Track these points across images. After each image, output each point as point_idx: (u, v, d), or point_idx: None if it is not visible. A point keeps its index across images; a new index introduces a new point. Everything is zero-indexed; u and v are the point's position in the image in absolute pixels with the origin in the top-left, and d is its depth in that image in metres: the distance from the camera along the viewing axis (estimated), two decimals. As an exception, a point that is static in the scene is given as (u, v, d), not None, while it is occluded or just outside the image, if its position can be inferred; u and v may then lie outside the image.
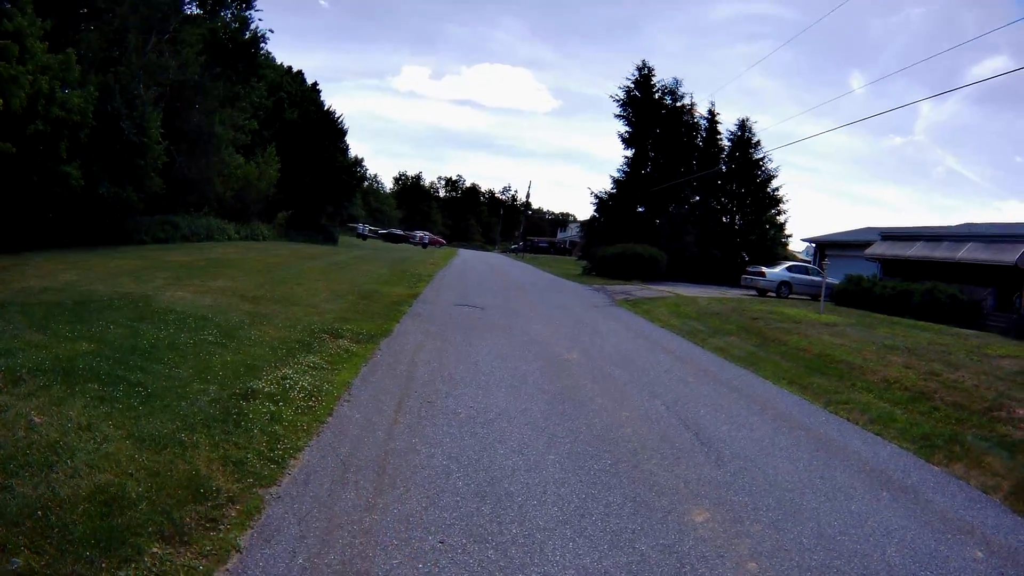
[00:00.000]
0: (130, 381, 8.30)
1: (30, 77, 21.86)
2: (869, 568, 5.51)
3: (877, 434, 9.51)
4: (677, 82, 53.65)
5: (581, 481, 7.04)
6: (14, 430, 6.30)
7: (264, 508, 5.78)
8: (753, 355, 15.43)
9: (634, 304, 26.24)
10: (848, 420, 10.09)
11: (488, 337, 15.49)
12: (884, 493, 7.24)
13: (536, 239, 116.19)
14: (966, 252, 32.29)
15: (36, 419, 6.66)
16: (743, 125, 52.62)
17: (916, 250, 35.21)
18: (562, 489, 6.79)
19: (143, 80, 32.84)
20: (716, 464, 7.80)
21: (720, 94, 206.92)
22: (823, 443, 8.82)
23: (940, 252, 33.65)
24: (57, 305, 12.57)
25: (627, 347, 16.00)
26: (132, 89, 30.98)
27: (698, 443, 8.49)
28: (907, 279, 32.03)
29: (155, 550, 4.79)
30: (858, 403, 11.04)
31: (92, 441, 6.37)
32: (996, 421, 9.93)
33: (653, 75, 52.80)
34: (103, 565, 4.48)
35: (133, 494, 5.46)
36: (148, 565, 4.60)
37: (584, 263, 53.06)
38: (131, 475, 5.81)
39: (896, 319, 25.43)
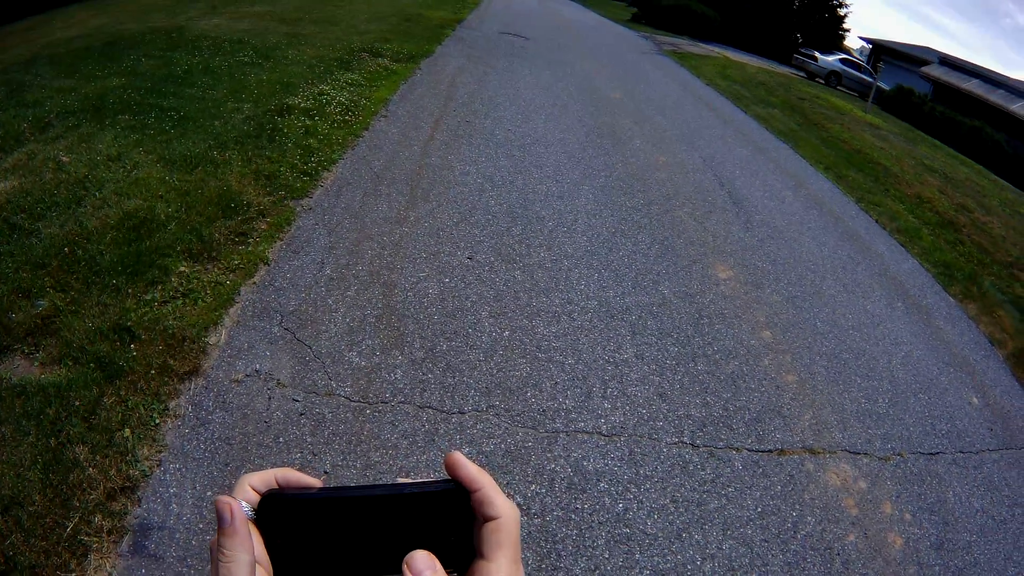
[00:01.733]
0: (162, 107, 7.80)
1: None
2: (874, 371, 5.20)
3: (902, 245, 8.79)
4: None
5: (612, 216, 6.69)
6: (41, 174, 5.96)
7: (294, 220, 5.53)
8: (794, 132, 14.20)
9: (682, 57, 24.06)
10: (877, 222, 9.29)
11: (532, 66, 14.37)
12: (899, 303, 6.76)
13: None
14: (1020, 107, 28.91)
15: (64, 159, 6.29)
16: None
17: (972, 86, 31.56)
18: (593, 220, 6.47)
19: None
20: (745, 226, 7.38)
21: None
22: (850, 235, 8.23)
23: (995, 97, 30.14)
24: (86, 49, 11.76)
25: (671, 96, 14.77)
26: None
27: (730, 202, 8.03)
28: (954, 111, 28.79)
29: (183, 269, 4.63)
30: (889, 209, 10.16)
31: (121, 170, 6.02)
32: (1015, 280, 9.05)
33: None
34: (129, 291, 4.33)
35: (162, 216, 5.20)
36: (175, 285, 4.45)
37: (634, 10, 48.61)
38: (161, 197, 5.51)
39: (938, 143, 23.29)
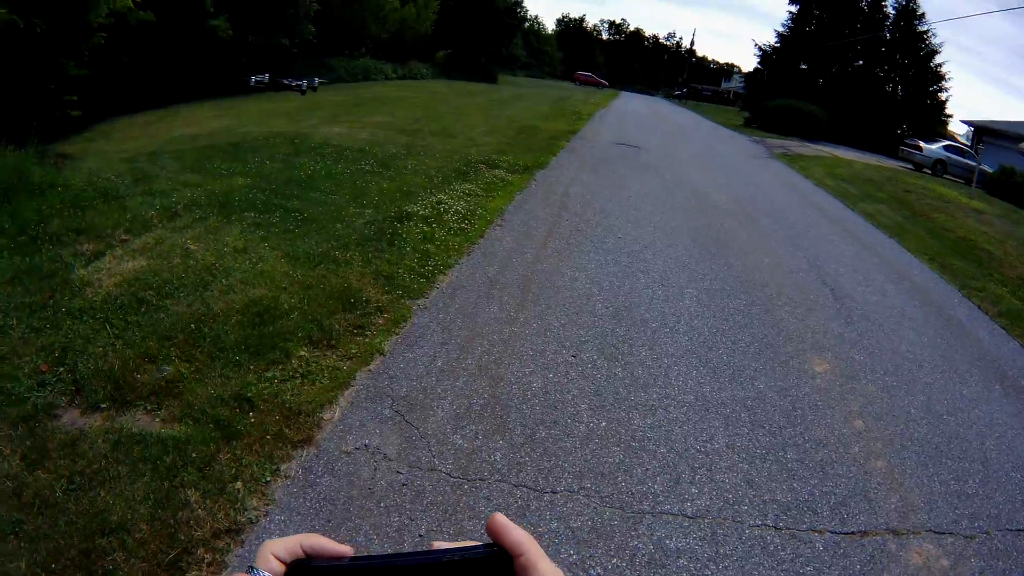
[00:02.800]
0: (286, 208, 8.95)
1: None
2: (966, 454, 5.43)
3: (1004, 328, 9.03)
4: None
5: (714, 317, 7.33)
6: (169, 258, 6.98)
7: (410, 317, 6.29)
8: (900, 226, 14.99)
9: (791, 159, 25.68)
10: (979, 307, 9.64)
11: (643, 176, 15.70)
12: (997, 387, 6.95)
13: (700, 86, 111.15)
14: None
15: (192, 247, 7.32)
16: None
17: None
18: (695, 321, 7.11)
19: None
20: (845, 321, 7.90)
21: None
22: (951, 324, 8.63)
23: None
24: (210, 148, 13.45)
25: (778, 199, 15.98)
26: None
27: (832, 298, 8.62)
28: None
29: (303, 353, 5.37)
30: (991, 293, 10.46)
31: (247, 261, 7.00)
32: None
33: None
34: (251, 368, 5.08)
35: (285, 305, 6.06)
36: (295, 366, 5.18)
37: (745, 114, 53.28)
38: (284, 289, 6.41)
39: (1045, 221, 23.18)
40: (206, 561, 3.38)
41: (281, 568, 0.62)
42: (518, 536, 0.64)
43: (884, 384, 6.42)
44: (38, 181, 9.12)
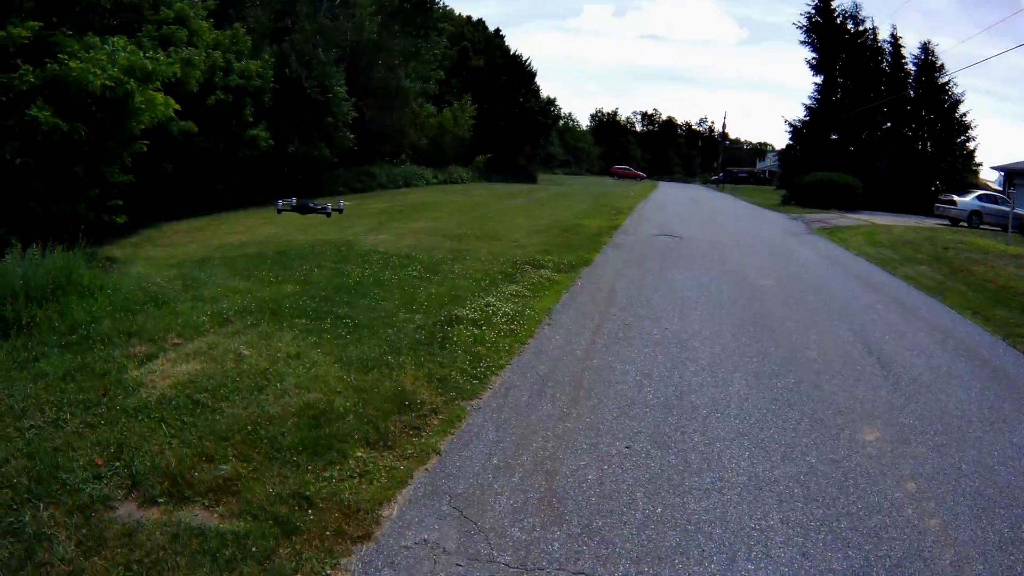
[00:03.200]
0: (337, 315, 9.33)
1: (203, 55, 23.55)
2: (1018, 501, 5.49)
3: None
4: (856, 5, 56.29)
5: (763, 397, 7.49)
6: (223, 363, 7.33)
7: (464, 418, 6.53)
8: (941, 284, 15.28)
9: (830, 232, 26.21)
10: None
11: (686, 265, 16.14)
12: None
13: (735, 170, 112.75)
14: None
15: (245, 352, 7.67)
16: (926, 48, 52.80)
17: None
18: (745, 404, 7.28)
19: (319, 43, 34.89)
20: (893, 387, 8.02)
21: (899, 14, 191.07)
22: (997, 374, 8.73)
23: None
24: (258, 255, 14.07)
25: (820, 274, 16.33)
26: (308, 52, 33.07)
27: (879, 367, 8.74)
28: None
29: (360, 454, 5.60)
30: None
31: (301, 367, 7.33)
32: None
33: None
34: (309, 468, 5.30)
35: (340, 408, 6.33)
36: (352, 467, 5.39)
37: (782, 192, 54.66)
38: (338, 393, 6.70)
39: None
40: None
41: None
42: None
43: (934, 444, 6.51)
44: (87, 283, 9.64)
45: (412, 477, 5.34)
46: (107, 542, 4.13)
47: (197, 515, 4.58)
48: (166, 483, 4.86)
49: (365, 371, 7.32)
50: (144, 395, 6.36)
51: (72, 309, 8.55)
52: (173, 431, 5.68)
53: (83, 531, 4.21)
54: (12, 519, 4.28)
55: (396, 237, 17.40)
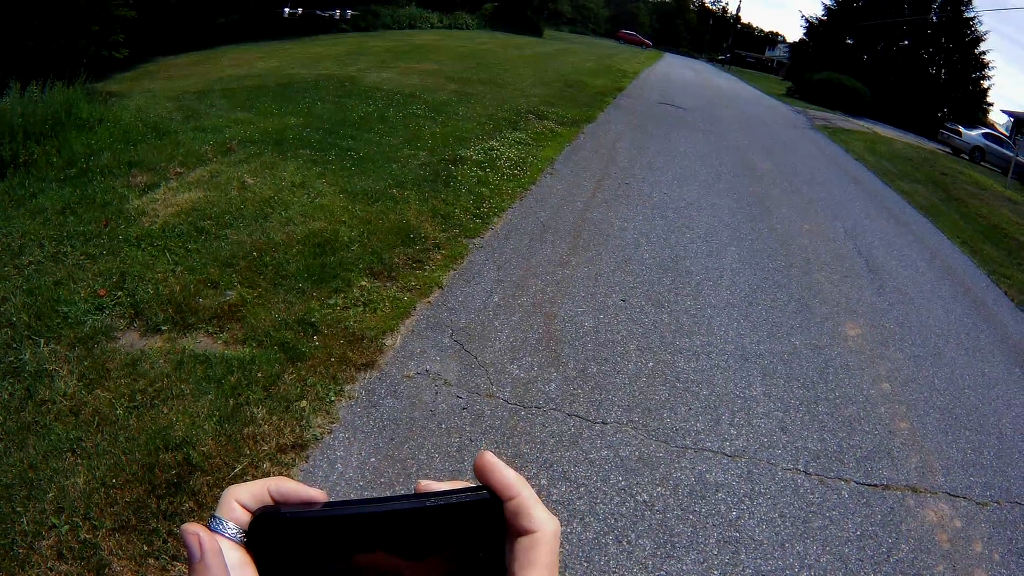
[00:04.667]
0: (341, 147, 9.18)
1: None
2: (983, 428, 5.60)
3: None
4: None
5: (755, 274, 7.60)
6: (227, 191, 7.21)
7: (467, 255, 6.52)
8: (935, 207, 15.09)
9: (832, 132, 25.57)
10: (1006, 294, 9.66)
11: (687, 136, 15.93)
12: (1018, 370, 7.05)
13: (744, 53, 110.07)
14: None
15: (249, 180, 7.51)
16: None
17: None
18: (736, 277, 7.39)
19: None
20: (878, 291, 8.12)
21: None
22: (978, 305, 8.78)
23: None
24: (259, 88, 13.71)
25: (818, 169, 16.09)
26: None
27: (866, 269, 8.82)
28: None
29: (364, 283, 5.58)
30: (1019, 282, 10.43)
31: (305, 195, 7.24)
32: None
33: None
34: (314, 294, 5.29)
35: (345, 238, 6.27)
36: (356, 295, 5.39)
37: (789, 84, 53.26)
38: (344, 222, 6.62)
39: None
40: (272, 475, 3.52)
41: (246, 516, 0.57)
42: (508, 477, 0.58)
43: (911, 353, 6.63)
44: (86, 116, 9.35)
45: (415, 308, 5.36)
46: (109, 373, 4.11)
47: (201, 342, 4.56)
48: (169, 311, 4.82)
49: (370, 202, 7.26)
50: (146, 224, 6.24)
51: (71, 143, 8.30)
52: (176, 259, 5.60)
53: (85, 363, 4.17)
54: (12, 358, 4.21)
55: (400, 76, 16.92)
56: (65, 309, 4.72)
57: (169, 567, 2.98)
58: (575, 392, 4.70)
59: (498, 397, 4.47)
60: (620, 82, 25.17)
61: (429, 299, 5.55)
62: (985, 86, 51.19)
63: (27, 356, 4.19)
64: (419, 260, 6.17)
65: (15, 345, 4.34)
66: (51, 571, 2.88)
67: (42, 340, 4.36)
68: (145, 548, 3.03)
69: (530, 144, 11.36)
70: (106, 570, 2.92)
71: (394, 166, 8.64)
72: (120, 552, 3.00)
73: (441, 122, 11.72)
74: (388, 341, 4.83)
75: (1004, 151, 32.18)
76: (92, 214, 6.35)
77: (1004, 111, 53.58)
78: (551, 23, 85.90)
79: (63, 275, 5.19)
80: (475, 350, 4.93)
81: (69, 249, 5.62)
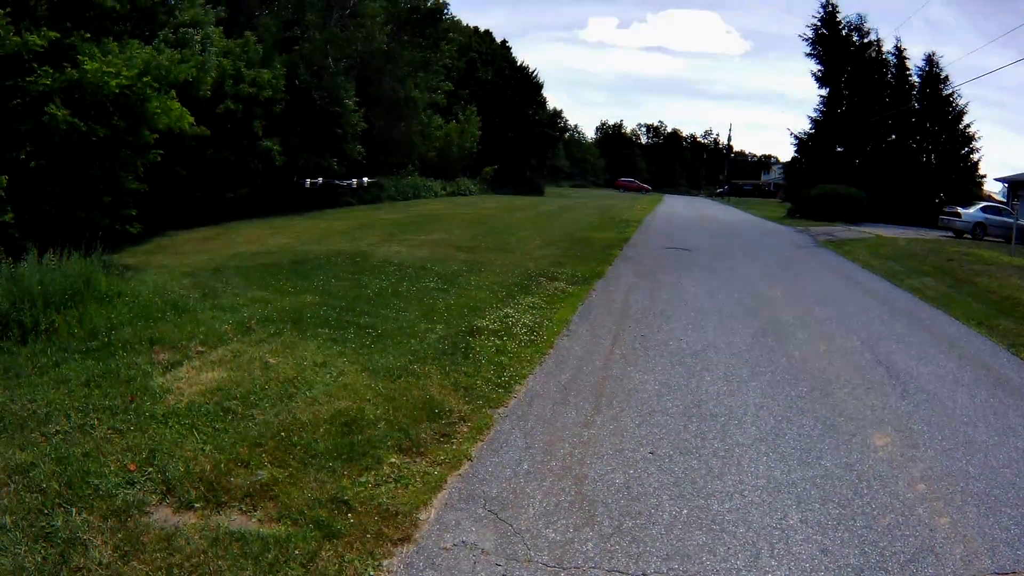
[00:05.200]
0: (359, 324, 9.54)
1: (216, 61, 23.62)
2: (1023, 500, 5.70)
3: None
4: (861, 18, 57.42)
5: (778, 405, 7.73)
6: (250, 371, 7.49)
7: (492, 425, 6.70)
8: (946, 296, 15.59)
9: (836, 245, 26.64)
10: None
11: (696, 277, 16.47)
12: None
13: (741, 182, 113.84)
14: None
15: (271, 360, 7.82)
16: (930, 60, 53.72)
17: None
18: (760, 412, 7.52)
19: (329, 53, 35.18)
20: (902, 395, 8.25)
21: (904, 28, 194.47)
22: (1001, 382, 8.97)
23: None
24: (273, 265, 14.28)
25: (827, 286, 16.64)
26: (318, 62, 33.33)
27: (887, 376, 8.97)
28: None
29: (393, 460, 5.75)
30: None
31: (328, 375, 7.51)
32: None
33: (838, 11, 55.97)
34: (344, 473, 5.45)
35: (371, 416, 6.49)
36: (387, 472, 5.54)
37: (788, 205, 55.41)
38: (368, 400, 6.86)
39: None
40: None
41: None
42: None
43: (942, 448, 6.73)
44: (105, 289, 9.75)
45: (446, 482, 5.49)
46: (145, 547, 4.22)
47: (235, 519, 4.69)
48: (201, 488, 4.98)
49: (392, 379, 7.50)
50: (172, 401, 6.50)
51: (91, 315, 8.65)
52: (205, 437, 5.80)
53: (119, 535, 4.30)
54: (44, 523, 4.35)
55: (410, 249, 17.61)
56: (96, 481, 4.88)
57: None
58: (612, 548, 4.77)
59: (536, 561, 4.54)
60: (624, 232, 26.23)
61: (459, 471, 5.69)
62: (975, 159, 53.32)
63: (59, 523, 4.33)
64: (446, 434, 6.35)
65: (47, 511, 4.48)
66: None
67: (74, 509, 4.51)
68: None
69: (544, 307, 11.74)
70: None
71: (412, 341, 8.95)
72: None
73: (455, 293, 12.17)
74: (422, 515, 4.95)
75: (1005, 220, 32.92)
76: (117, 389, 6.62)
77: (997, 179, 55.75)
78: (550, 179, 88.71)
79: (91, 447, 5.39)
80: (509, 518, 5.03)
81: (96, 422, 5.85)
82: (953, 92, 52.62)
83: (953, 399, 8.15)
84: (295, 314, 9.79)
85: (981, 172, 54.37)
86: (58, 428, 5.71)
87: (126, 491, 4.84)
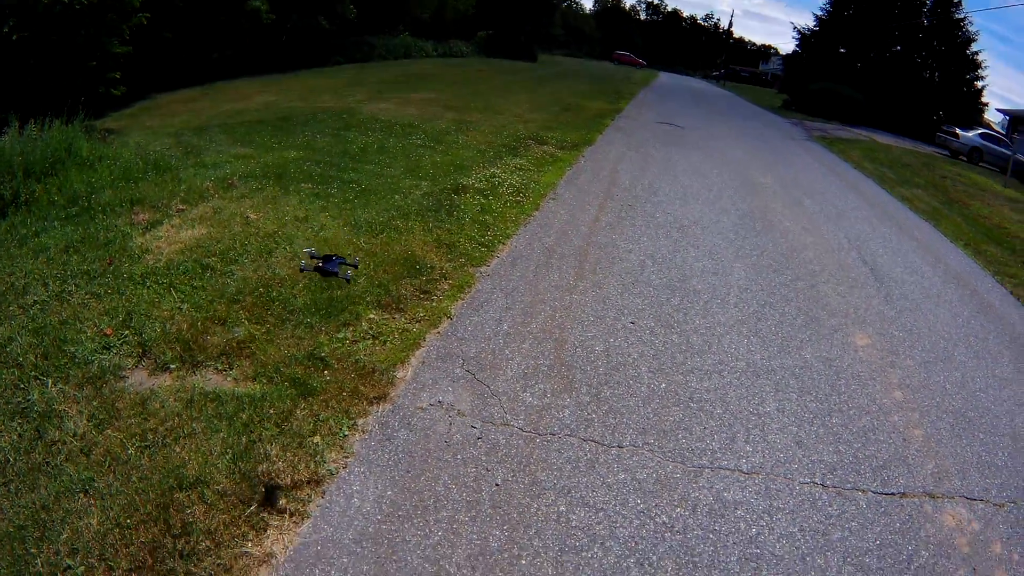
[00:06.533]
0: (343, 180, 9.22)
1: None
2: (997, 428, 5.62)
3: None
4: None
5: (762, 290, 7.64)
6: (230, 227, 7.20)
7: (474, 284, 6.53)
8: (936, 211, 15.16)
9: (830, 142, 25.89)
10: (1012, 293, 9.68)
11: (688, 154, 16.04)
12: None
13: (738, 68, 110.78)
14: None
15: (251, 215, 7.53)
16: None
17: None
18: (744, 294, 7.42)
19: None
20: (885, 299, 8.15)
21: None
22: (984, 307, 8.80)
23: None
24: (258, 123, 13.80)
25: (819, 180, 16.25)
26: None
27: (872, 277, 8.87)
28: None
29: (372, 316, 5.57)
30: (1023, 280, 10.45)
31: (309, 229, 7.24)
32: None
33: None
34: (322, 329, 5.27)
35: (351, 271, 6.12)
36: (365, 328, 5.38)
37: (784, 96, 53.70)
38: (348, 255, 6.50)
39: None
40: (288, 511, 3.51)
41: None
42: None
43: (922, 360, 6.64)
44: (86, 154, 9.35)
45: (425, 340, 5.35)
46: (119, 413, 4.07)
47: (211, 379, 4.53)
48: (177, 348, 4.78)
49: (374, 235, 7.27)
50: (151, 262, 6.22)
51: (72, 181, 8.28)
52: (183, 296, 5.57)
53: (94, 403, 4.13)
54: (20, 399, 4.16)
55: (397, 106, 17.04)
56: (72, 349, 4.67)
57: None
58: (589, 417, 4.70)
59: (512, 425, 4.46)
60: (617, 104, 25.50)
61: (439, 329, 5.55)
62: (979, 86, 51.26)
63: (35, 396, 4.15)
64: (426, 291, 6.17)
65: (22, 385, 4.29)
66: (68, 615, 2.84)
67: (50, 380, 4.32)
68: (163, 590, 2.99)
69: (531, 170, 11.43)
70: (124, 612, 2.87)
71: (396, 197, 8.68)
72: (138, 594, 2.96)
73: (441, 151, 11.80)
74: (399, 373, 4.82)
75: (1002, 150, 32.30)
76: (96, 252, 6.32)
77: (999, 110, 54.25)
78: (545, 48, 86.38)
79: (69, 314, 5.14)
80: (487, 379, 4.92)
81: (74, 288, 5.57)
82: (964, 17, 50.09)
83: (935, 313, 8.04)
84: (278, 170, 9.45)
85: (983, 100, 52.28)
86: (36, 298, 5.42)
87: (102, 357, 4.64)
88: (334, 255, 3.86)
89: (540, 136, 14.81)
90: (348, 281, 4.26)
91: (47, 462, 3.64)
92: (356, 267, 4.22)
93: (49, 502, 3.36)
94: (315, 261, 3.84)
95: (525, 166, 11.61)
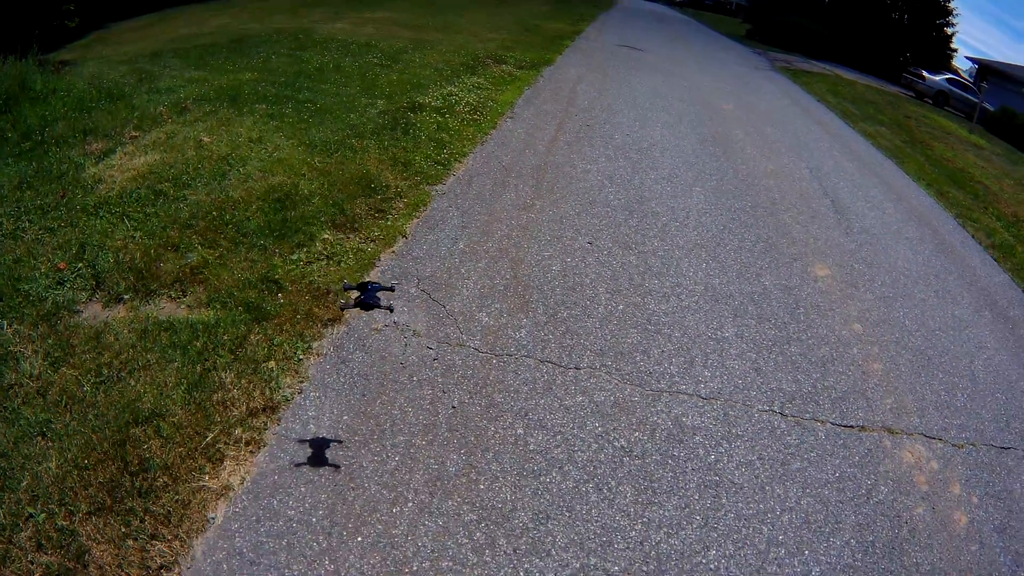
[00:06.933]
0: (298, 99, 8.88)
1: None
2: (956, 369, 5.63)
3: (995, 260, 9.04)
4: None
5: (721, 215, 7.54)
6: (183, 151, 6.90)
7: (429, 202, 6.38)
8: (899, 149, 14.88)
9: (793, 74, 25.43)
10: (973, 237, 9.64)
11: (648, 77, 15.69)
12: (987, 312, 7.07)
13: None
14: None
15: (205, 139, 7.23)
16: None
17: (1080, 108, 30.48)
18: (703, 218, 7.34)
19: None
20: (845, 232, 8.07)
21: None
22: (945, 248, 8.75)
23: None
24: (212, 46, 13.22)
25: (781, 111, 15.88)
26: None
27: (833, 210, 8.77)
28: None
29: (326, 236, 5.42)
30: (985, 226, 10.39)
31: (263, 151, 6.97)
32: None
33: None
34: (276, 251, 5.11)
35: (305, 191, 6.07)
36: (319, 249, 5.23)
37: (748, 26, 51.86)
38: (303, 175, 6.41)
39: (1042, 166, 23.01)
40: (244, 440, 3.43)
41: None
42: None
43: (881, 295, 6.63)
44: (40, 88, 8.93)
45: (379, 259, 5.24)
46: (74, 349, 3.90)
47: (164, 307, 4.38)
48: (131, 278, 4.60)
49: (329, 154, 7.05)
50: (103, 191, 5.95)
51: (25, 116, 7.90)
52: (135, 224, 5.35)
53: (49, 341, 3.95)
54: (-26, 346, 3.98)
55: (354, 26, 16.42)
56: (26, 287, 4.46)
57: (148, 547, 2.86)
58: (546, 338, 4.63)
59: (468, 346, 4.39)
60: (578, 25, 24.80)
61: (393, 248, 5.42)
62: (949, 32, 50.49)
63: (-11, 339, 3.96)
64: (381, 209, 6.01)
65: (-23, 330, 4.10)
66: (32, 564, 2.73)
67: (4, 321, 4.12)
68: (123, 530, 2.90)
69: (489, 89, 11.14)
70: (86, 557, 2.78)
71: (352, 116, 8.39)
72: (99, 536, 2.86)
73: (398, 70, 11.41)
74: (354, 295, 4.69)
75: (968, 96, 32.25)
76: (49, 187, 6.00)
77: (968, 57, 53.74)
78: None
79: (22, 252, 4.90)
80: (443, 299, 4.83)
81: (27, 225, 5.31)
82: (938, -39, 49.05)
83: (895, 249, 7.96)
84: (233, 92, 9.06)
85: (952, 47, 51.29)
86: (-10, 238, 5.19)
87: (56, 292, 4.43)
88: (368, 282, 3.82)
89: (499, 56, 14.39)
90: (391, 311, 4.23)
91: (4, 406, 3.48)
92: (392, 290, 4.13)
93: (7, 448, 3.22)
94: (351, 294, 3.73)
95: (483, 85, 11.30)
